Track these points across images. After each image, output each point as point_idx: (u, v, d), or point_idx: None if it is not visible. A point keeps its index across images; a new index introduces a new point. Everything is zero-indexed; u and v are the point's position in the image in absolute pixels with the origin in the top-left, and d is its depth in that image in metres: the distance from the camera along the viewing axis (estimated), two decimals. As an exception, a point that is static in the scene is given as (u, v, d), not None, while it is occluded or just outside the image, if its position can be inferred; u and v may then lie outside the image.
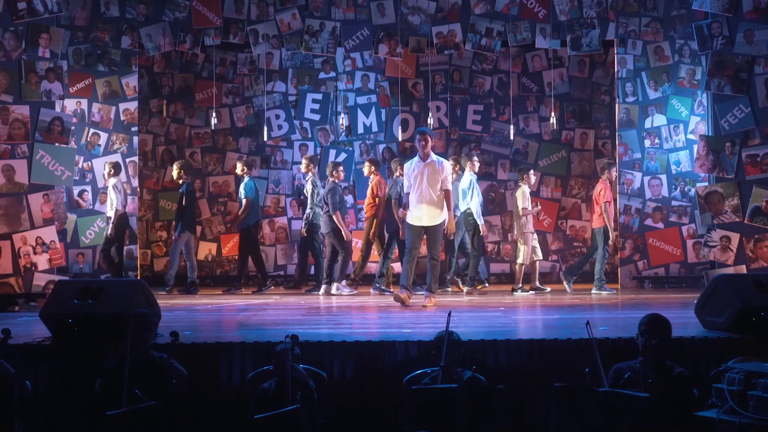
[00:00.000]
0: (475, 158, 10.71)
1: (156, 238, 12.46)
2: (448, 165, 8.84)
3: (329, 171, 10.66)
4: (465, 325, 7.16)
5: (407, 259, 8.79)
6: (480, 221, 10.35)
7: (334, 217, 10.41)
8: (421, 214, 8.66)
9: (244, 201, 10.77)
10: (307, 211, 10.76)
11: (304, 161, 11.01)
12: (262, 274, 10.98)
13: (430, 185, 8.64)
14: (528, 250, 10.43)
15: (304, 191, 10.95)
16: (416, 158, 8.83)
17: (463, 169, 10.60)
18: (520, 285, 10.45)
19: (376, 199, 10.64)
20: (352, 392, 5.90)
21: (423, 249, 9.25)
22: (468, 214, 10.38)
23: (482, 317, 8.07)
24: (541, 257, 10.88)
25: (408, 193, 8.80)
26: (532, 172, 10.76)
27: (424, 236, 8.81)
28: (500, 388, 5.10)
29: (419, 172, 8.71)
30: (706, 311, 6.66)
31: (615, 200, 11.43)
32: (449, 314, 5.29)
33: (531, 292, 10.47)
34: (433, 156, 8.76)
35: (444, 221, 8.67)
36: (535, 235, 10.72)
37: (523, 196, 10.46)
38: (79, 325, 6.18)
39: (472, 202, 10.35)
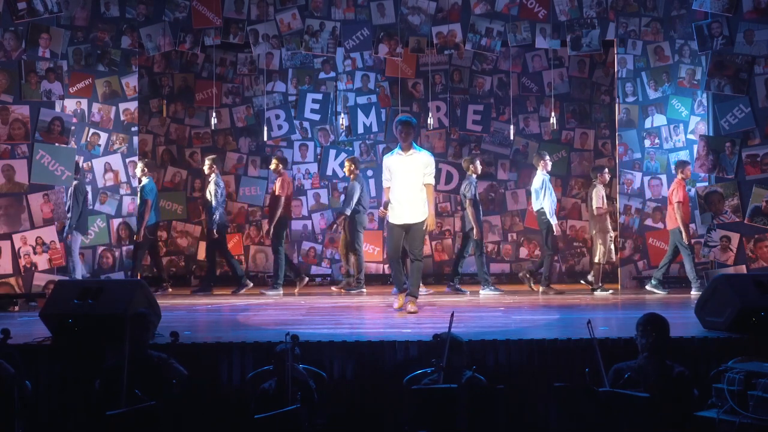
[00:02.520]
0: (547, 157, 10.67)
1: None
2: (430, 158, 8.26)
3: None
4: (465, 325, 7.16)
5: (393, 265, 8.33)
6: (553, 221, 10.36)
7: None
8: (402, 211, 8.13)
9: (147, 202, 10.62)
10: (214, 212, 10.61)
11: (207, 161, 10.83)
12: (158, 271, 11.08)
13: (412, 180, 8.12)
14: (605, 250, 10.39)
15: (207, 192, 10.74)
16: (396, 150, 8.28)
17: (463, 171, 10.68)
18: (599, 284, 10.40)
19: (281, 198, 10.60)
20: (352, 392, 5.90)
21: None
22: (541, 213, 10.41)
23: (482, 317, 8.07)
24: (613, 259, 10.75)
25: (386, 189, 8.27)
26: (606, 170, 10.73)
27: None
28: (500, 388, 5.10)
29: (399, 165, 8.18)
30: (706, 311, 6.67)
31: (615, 200, 11.43)
32: (452, 315, 5.27)
33: (611, 291, 10.38)
34: (415, 148, 8.24)
35: (426, 218, 8.15)
36: (611, 234, 10.64)
37: (597, 195, 10.44)
38: (79, 325, 6.19)
39: (544, 201, 10.37)
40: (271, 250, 10.93)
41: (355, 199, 10.67)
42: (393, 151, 8.40)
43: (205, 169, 10.85)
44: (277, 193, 10.60)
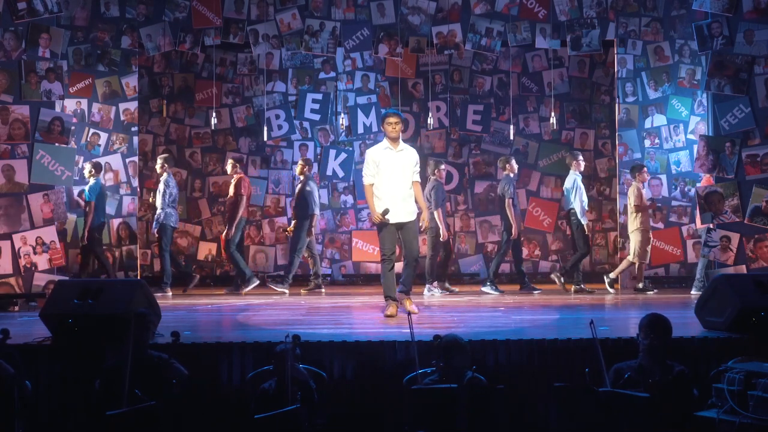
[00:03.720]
0: (580, 157, 10.66)
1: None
2: (416, 154, 7.98)
3: (431, 169, 10.65)
4: (465, 325, 7.17)
5: (387, 267, 7.79)
6: (584, 220, 10.37)
7: (435, 214, 10.37)
8: (395, 209, 7.73)
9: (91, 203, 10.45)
10: (158, 211, 10.50)
11: (159, 160, 10.72)
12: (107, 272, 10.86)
13: (403, 176, 7.79)
14: (638, 248, 10.36)
15: (156, 190, 10.63)
16: (383, 144, 7.88)
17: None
18: (642, 282, 10.38)
19: (239, 198, 10.60)
20: (352, 392, 5.90)
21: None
22: (572, 213, 10.43)
23: (482, 317, 8.07)
24: (645, 260, 10.62)
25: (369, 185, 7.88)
26: (645, 169, 10.70)
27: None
28: (500, 388, 5.10)
29: (390, 161, 7.80)
30: (706, 311, 6.67)
31: (615, 200, 11.43)
32: (409, 316, 5.21)
33: (655, 291, 10.37)
34: (403, 143, 7.94)
35: (417, 216, 7.93)
36: (650, 234, 10.62)
37: (633, 193, 10.43)
38: (79, 325, 6.18)
39: (575, 201, 10.37)
40: (224, 249, 10.83)
41: (317, 199, 10.70)
42: (378, 144, 8.04)
43: (157, 168, 10.71)
44: (240, 193, 10.57)
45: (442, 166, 10.73)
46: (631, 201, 10.47)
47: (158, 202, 10.48)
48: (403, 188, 7.81)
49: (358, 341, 6.11)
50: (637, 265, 10.51)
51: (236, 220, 10.60)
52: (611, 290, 10.38)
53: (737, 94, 9.42)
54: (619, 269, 10.67)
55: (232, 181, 10.74)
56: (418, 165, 7.96)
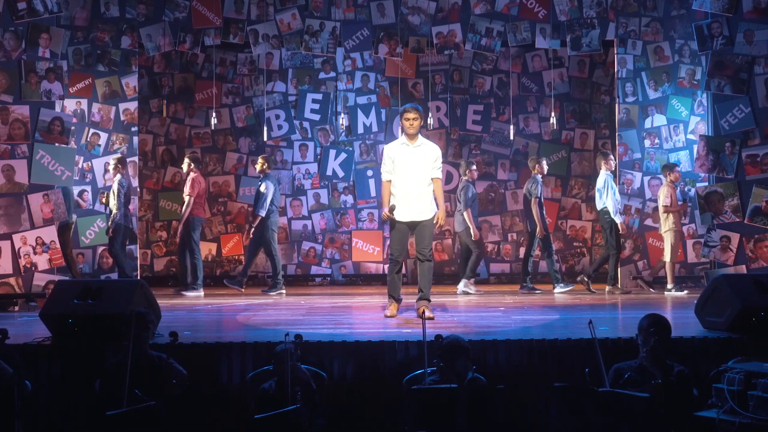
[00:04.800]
0: (611, 157, 10.62)
1: (156, 238, 12.48)
2: (439, 150, 7.70)
3: (462, 170, 10.69)
4: (465, 325, 7.17)
5: (393, 268, 7.58)
6: (617, 219, 10.31)
7: (465, 214, 10.41)
8: (409, 207, 7.49)
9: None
10: (114, 212, 10.36)
11: (111, 162, 10.57)
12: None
13: (420, 173, 7.52)
14: (670, 248, 10.33)
15: (111, 192, 10.47)
16: (400, 140, 7.68)
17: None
18: (673, 284, 10.30)
19: (187, 197, 10.56)
20: (352, 392, 5.90)
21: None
22: (604, 213, 10.39)
23: (482, 317, 8.07)
24: (674, 260, 10.55)
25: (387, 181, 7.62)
26: (678, 168, 10.66)
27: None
28: (500, 388, 5.10)
29: (406, 157, 7.54)
30: (706, 311, 6.67)
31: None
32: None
33: (686, 292, 10.30)
34: (422, 138, 7.65)
35: (434, 215, 7.60)
36: (683, 233, 10.60)
37: (663, 194, 10.40)
38: (79, 325, 6.19)
39: (608, 200, 10.33)
40: (179, 250, 10.78)
41: (269, 199, 10.65)
42: (396, 140, 7.86)
43: (110, 168, 10.61)
44: (189, 192, 10.54)
45: (474, 167, 10.76)
46: (660, 201, 10.43)
47: (112, 203, 10.39)
48: (419, 185, 7.51)
49: (358, 341, 6.11)
50: (668, 266, 10.41)
51: (184, 218, 10.55)
52: (653, 291, 10.29)
53: (737, 94, 9.43)
54: (654, 270, 10.58)
55: (187, 180, 10.68)
56: (439, 161, 7.63)
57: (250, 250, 11.02)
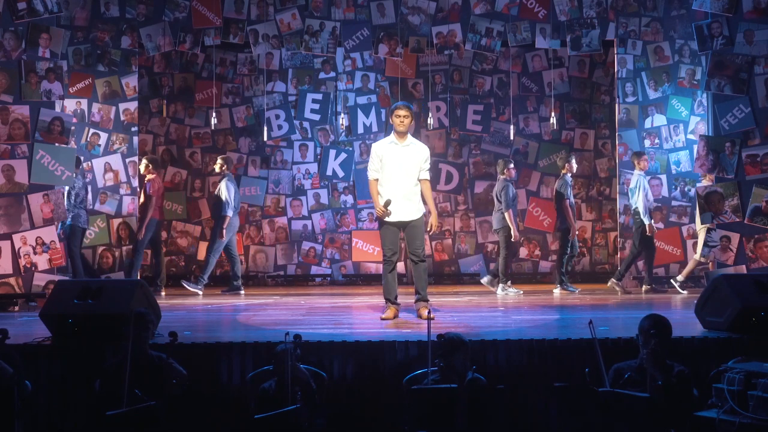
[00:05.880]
0: (645, 156, 10.54)
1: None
2: (427, 150, 7.61)
3: (500, 169, 10.66)
4: (465, 325, 7.17)
5: (387, 269, 7.49)
6: (646, 220, 10.21)
7: (507, 215, 10.38)
8: (397, 207, 7.39)
9: None
10: (70, 211, 10.20)
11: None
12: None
13: (408, 173, 7.43)
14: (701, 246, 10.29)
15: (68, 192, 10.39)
16: (389, 139, 7.55)
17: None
18: (684, 279, 10.29)
19: (148, 199, 10.52)
20: (352, 392, 5.90)
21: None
22: (635, 213, 10.34)
23: (482, 317, 8.07)
24: (700, 258, 10.48)
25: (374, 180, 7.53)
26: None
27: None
28: (500, 388, 5.10)
29: (395, 156, 7.44)
30: (706, 311, 6.67)
31: (615, 200, 11.40)
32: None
33: (686, 292, 10.29)
34: (411, 137, 7.57)
35: (424, 214, 7.57)
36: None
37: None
38: (79, 325, 6.19)
39: (639, 200, 10.27)
40: (133, 249, 10.73)
41: (231, 199, 10.62)
42: (385, 138, 7.73)
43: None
44: (149, 194, 10.47)
45: (511, 165, 10.69)
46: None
47: (65, 204, 10.35)
48: (408, 185, 7.45)
49: (358, 341, 6.11)
50: (693, 262, 10.36)
51: (147, 220, 10.51)
52: (683, 292, 10.25)
53: (737, 94, 9.42)
54: (687, 270, 10.47)
55: (146, 181, 10.65)
56: (428, 162, 7.57)
57: (209, 251, 10.93)
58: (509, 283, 10.51)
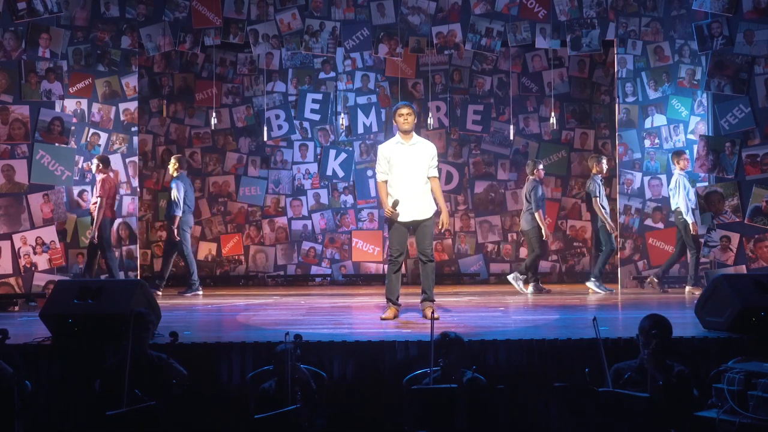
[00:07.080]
0: (685, 155, 10.42)
1: (156, 238, 12.47)
2: (435, 148, 7.60)
3: (529, 169, 10.65)
4: (465, 325, 7.17)
5: (393, 268, 7.46)
6: (689, 219, 10.08)
7: (537, 215, 10.38)
8: (408, 207, 7.37)
9: None
10: None
11: None
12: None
13: (417, 172, 7.41)
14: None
15: None
16: (395, 139, 7.55)
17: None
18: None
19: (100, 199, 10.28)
20: (352, 392, 5.90)
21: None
22: (678, 213, 10.25)
23: (482, 317, 8.07)
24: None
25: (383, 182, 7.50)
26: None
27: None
28: (500, 388, 5.10)
29: (402, 156, 7.43)
30: (706, 311, 6.67)
31: (615, 200, 11.41)
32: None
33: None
34: (416, 136, 7.57)
35: (434, 213, 7.52)
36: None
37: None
38: (79, 325, 6.19)
39: (680, 200, 10.18)
40: (101, 253, 10.46)
41: (181, 199, 10.53)
42: (390, 139, 7.71)
43: None
44: (98, 194, 10.24)
45: (541, 166, 10.68)
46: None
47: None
48: (417, 184, 7.41)
49: (358, 341, 6.12)
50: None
51: (98, 221, 10.19)
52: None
53: (737, 94, 9.43)
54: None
55: (97, 181, 10.48)
56: (436, 159, 7.55)
57: (166, 252, 10.93)
58: (531, 284, 10.47)
